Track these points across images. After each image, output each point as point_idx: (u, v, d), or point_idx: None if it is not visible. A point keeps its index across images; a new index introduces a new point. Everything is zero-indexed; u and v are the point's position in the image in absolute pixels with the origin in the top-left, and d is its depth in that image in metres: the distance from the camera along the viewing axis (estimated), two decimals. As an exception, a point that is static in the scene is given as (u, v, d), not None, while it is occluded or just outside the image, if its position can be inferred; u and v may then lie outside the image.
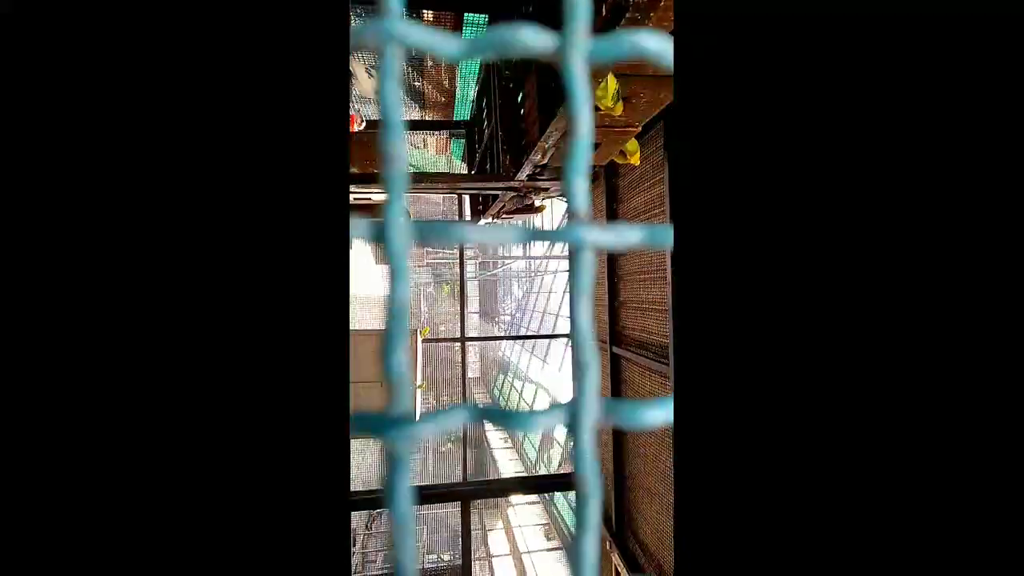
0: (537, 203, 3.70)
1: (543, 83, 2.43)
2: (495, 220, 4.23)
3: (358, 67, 3.17)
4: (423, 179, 3.35)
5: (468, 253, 5.04)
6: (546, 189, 3.37)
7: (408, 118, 4.68)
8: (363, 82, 3.21)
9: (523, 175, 2.97)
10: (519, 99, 2.96)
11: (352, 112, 3.83)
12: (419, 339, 4.33)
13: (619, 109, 2.11)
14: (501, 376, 15.82)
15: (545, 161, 2.71)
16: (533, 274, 15.00)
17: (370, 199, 3.28)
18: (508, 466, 11.88)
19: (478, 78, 4.07)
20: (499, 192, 3.42)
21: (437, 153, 5.37)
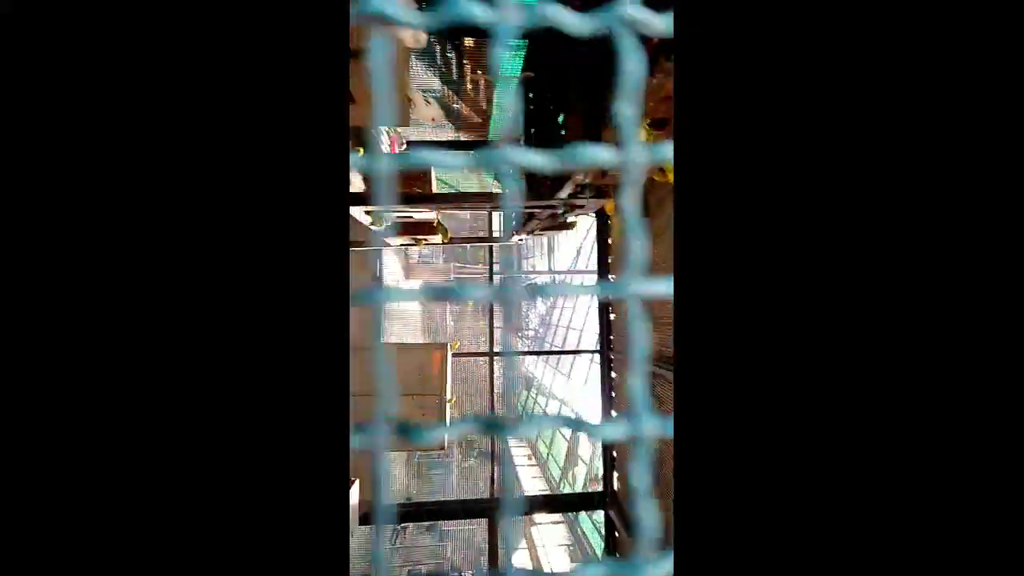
0: (570, 219, 3.74)
1: (587, 104, 2.50)
2: (529, 236, 4.29)
3: (416, 95, 3.29)
4: (463, 198, 3.43)
5: (495, 267, 5.11)
6: (582, 206, 3.41)
7: (442, 138, 4.79)
8: (420, 108, 3.32)
9: (564, 194, 3.03)
10: (559, 119, 3.03)
11: (393, 134, 3.95)
12: (449, 353, 4.37)
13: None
14: (524, 392, 15.74)
15: (587, 180, 2.77)
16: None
17: (411, 217, 3.37)
18: (531, 484, 11.76)
19: (519, 98, 4.15)
20: (535, 210, 3.48)
21: (470, 172, 5.47)
